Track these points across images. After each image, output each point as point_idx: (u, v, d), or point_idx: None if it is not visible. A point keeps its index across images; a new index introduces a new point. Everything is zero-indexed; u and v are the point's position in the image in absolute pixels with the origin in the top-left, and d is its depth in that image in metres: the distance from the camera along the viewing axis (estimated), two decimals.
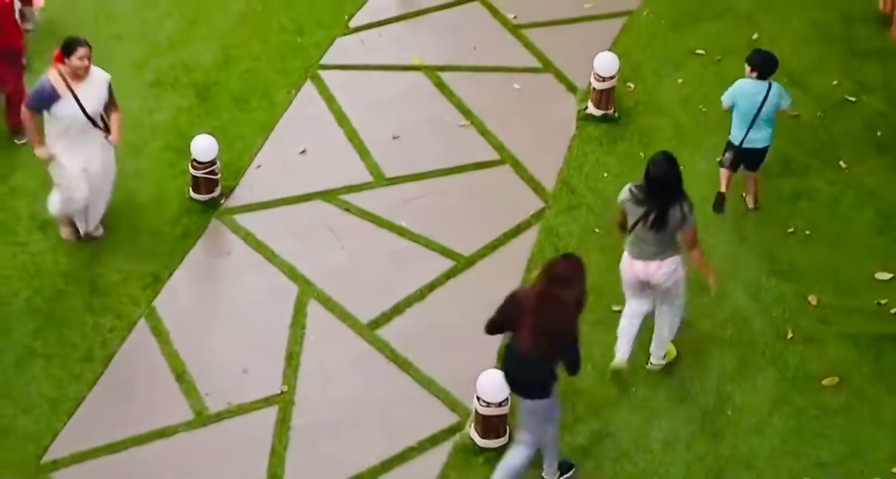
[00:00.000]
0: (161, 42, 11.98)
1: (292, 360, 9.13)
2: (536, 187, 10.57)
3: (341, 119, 11.16)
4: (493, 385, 8.15)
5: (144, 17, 12.26)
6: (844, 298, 9.60)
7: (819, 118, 11.09)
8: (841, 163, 10.66)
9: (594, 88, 11.07)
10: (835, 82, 11.45)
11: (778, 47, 11.35)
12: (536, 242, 10.07)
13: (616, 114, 11.16)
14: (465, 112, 11.28)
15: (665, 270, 8.45)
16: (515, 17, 12.37)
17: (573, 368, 7.68)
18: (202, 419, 8.74)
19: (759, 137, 9.81)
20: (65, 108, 9.19)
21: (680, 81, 11.53)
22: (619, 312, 9.26)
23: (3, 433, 8.60)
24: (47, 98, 9.16)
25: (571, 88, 11.55)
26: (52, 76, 9.19)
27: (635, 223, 8.39)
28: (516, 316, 7.63)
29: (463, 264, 9.88)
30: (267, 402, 8.85)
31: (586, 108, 11.22)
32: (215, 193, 10.31)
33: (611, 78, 10.98)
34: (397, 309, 9.52)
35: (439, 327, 9.40)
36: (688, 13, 12.18)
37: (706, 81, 11.46)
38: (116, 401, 8.88)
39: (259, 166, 10.72)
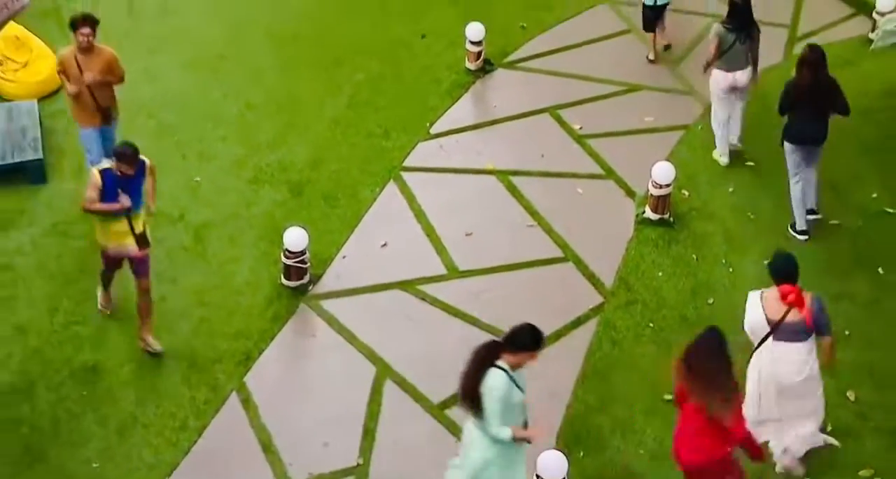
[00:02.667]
0: (261, 143, 12.23)
1: (368, 435, 9.15)
2: (596, 284, 10.58)
3: (420, 216, 11.28)
4: (550, 464, 8.14)
5: (247, 121, 12.56)
6: (881, 394, 9.45)
7: (859, 227, 11.02)
8: (879, 269, 10.56)
9: (651, 194, 11.11)
10: (874, 195, 11.38)
11: (822, 160, 11.39)
12: (595, 333, 10.06)
13: (671, 218, 11.18)
14: (533, 213, 11.35)
15: (748, 74, 11.53)
16: (581, 128, 12.47)
17: (846, 110, 10.64)
18: None
19: None
20: None
21: (730, 189, 11.55)
22: (671, 401, 9.23)
23: None
24: None
25: (630, 193, 11.60)
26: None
27: (732, 44, 11.34)
28: (798, 97, 10.55)
29: None
30: (344, 473, 8.87)
31: (644, 212, 11.25)
32: (304, 281, 10.43)
33: (667, 185, 11.01)
34: None
35: None
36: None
37: (754, 191, 11.48)
38: (207, 468, 8.95)
39: (344, 257, 10.84)
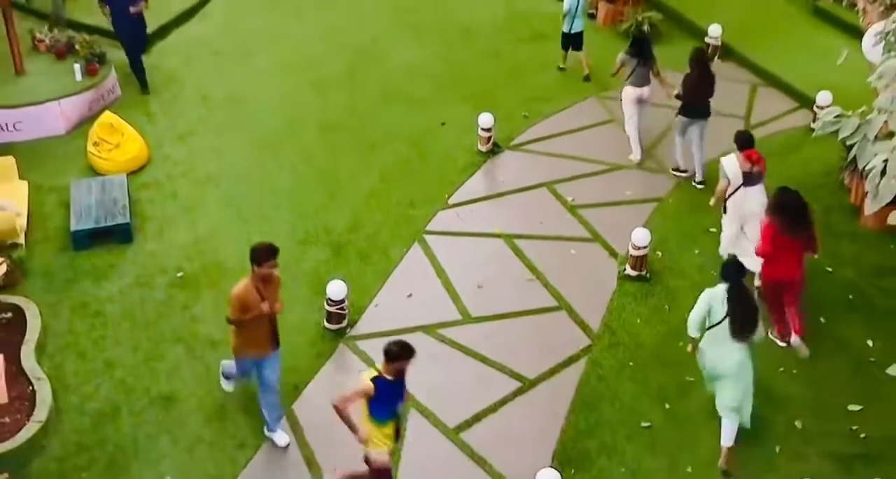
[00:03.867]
0: (309, 210, 12.28)
1: (395, 453, 8.99)
2: (585, 329, 10.53)
3: (440, 272, 11.27)
4: None
5: (297, 192, 12.62)
6: (824, 424, 9.38)
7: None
8: (821, 319, 10.52)
9: (631, 255, 11.12)
10: (816, 256, 11.26)
11: None
12: (584, 370, 10.00)
13: (648, 275, 11.16)
14: (533, 269, 11.33)
15: (650, 89, 13.06)
16: (573, 200, 12.49)
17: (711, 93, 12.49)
18: None
19: (578, 24, 14.98)
20: None
21: (696, 251, 11.53)
22: (649, 427, 9.20)
23: None
24: None
25: (614, 254, 11.58)
26: None
27: (636, 67, 12.92)
28: (691, 85, 12.40)
29: (528, 385, 9.83)
30: None
31: (625, 269, 11.23)
32: (343, 325, 10.43)
33: (644, 247, 11.03)
34: (477, 418, 9.47)
35: (508, 433, 9.32)
36: (703, 202, 12.14)
37: (716, 252, 11.30)
38: None
39: (377, 305, 10.82)
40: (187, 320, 10.56)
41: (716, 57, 15.56)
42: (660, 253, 11.49)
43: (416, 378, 9.73)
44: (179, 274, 11.19)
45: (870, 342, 10.23)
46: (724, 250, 10.89)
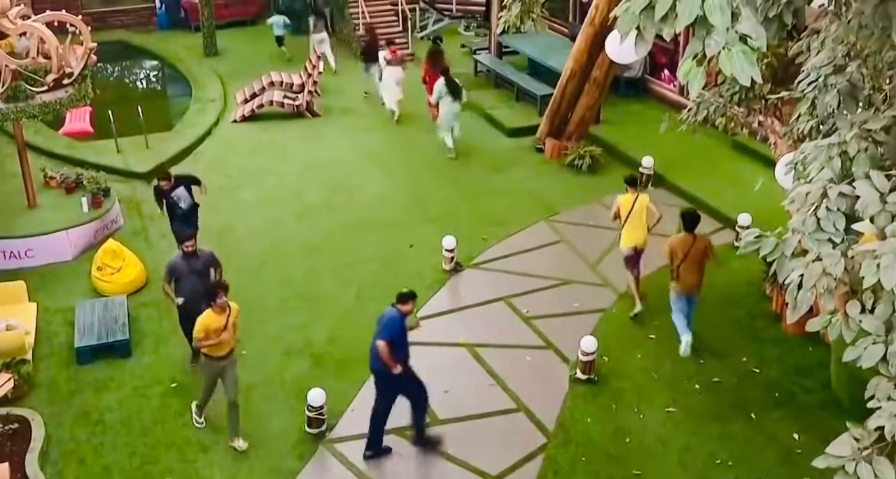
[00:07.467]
0: (291, 326, 12.31)
1: None
2: (541, 428, 10.52)
3: None
4: None
5: (281, 310, 12.68)
6: None
7: (734, 384, 11.09)
8: (752, 415, 10.59)
9: (581, 360, 11.17)
10: (744, 359, 11.50)
11: (705, 336, 11.53)
12: (541, 466, 9.96)
13: (596, 378, 11.21)
14: (494, 375, 11.35)
15: (326, 34, 22.00)
16: (528, 312, 12.59)
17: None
18: None
19: (279, 32, 22.86)
20: None
21: (638, 355, 11.64)
22: None
23: None
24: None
25: (565, 359, 11.62)
26: None
27: (315, 20, 21.68)
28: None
29: None
30: None
31: (575, 373, 11.27)
32: (323, 429, 10.36)
33: (592, 353, 11.09)
34: None
35: None
36: (643, 313, 12.39)
37: (656, 356, 11.56)
38: None
39: (353, 410, 10.75)
40: (180, 426, 10.46)
41: (649, 184, 16.06)
42: (606, 358, 11.57)
43: (389, 476, 9.73)
44: (174, 384, 11.14)
45: (795, 436, 10.30)
46: (386, 100, 18.99)
